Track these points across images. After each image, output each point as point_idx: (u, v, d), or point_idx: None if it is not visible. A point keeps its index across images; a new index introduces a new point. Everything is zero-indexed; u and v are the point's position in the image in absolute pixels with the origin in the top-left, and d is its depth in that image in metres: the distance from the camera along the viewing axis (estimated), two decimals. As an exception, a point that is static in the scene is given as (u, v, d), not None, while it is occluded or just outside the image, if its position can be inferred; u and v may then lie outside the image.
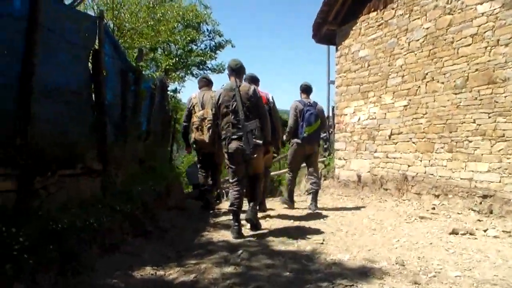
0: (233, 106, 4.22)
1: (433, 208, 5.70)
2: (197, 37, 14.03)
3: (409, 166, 6.76)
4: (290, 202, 6.17)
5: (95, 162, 3.60)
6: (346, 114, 8.49)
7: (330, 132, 10.19)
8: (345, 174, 8.49)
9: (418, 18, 6.71)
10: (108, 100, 4.21)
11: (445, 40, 6.18)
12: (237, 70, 4.46)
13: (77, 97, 3.56)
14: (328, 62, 10.18)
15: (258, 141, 4.16)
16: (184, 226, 4.58)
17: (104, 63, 4.04)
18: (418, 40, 6.67)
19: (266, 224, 4.83)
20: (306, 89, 6.12)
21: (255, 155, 4.19)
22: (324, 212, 5.73)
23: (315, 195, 6.00)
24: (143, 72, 5.51)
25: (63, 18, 3.37)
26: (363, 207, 6.20)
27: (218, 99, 4.35)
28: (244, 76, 4.76)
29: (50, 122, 3.17)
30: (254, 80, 5.17)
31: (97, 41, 3.93)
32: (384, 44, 7.44)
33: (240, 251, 3.47)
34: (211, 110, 4.68)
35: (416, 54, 6.71)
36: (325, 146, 10.88)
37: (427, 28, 6.51)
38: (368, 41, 7.89)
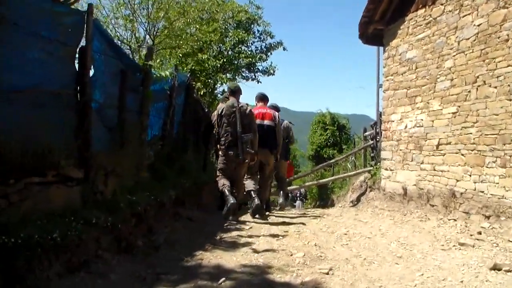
0: (233, 120, 5.49)
1: (480, 233, 4.79)
2: (247, 38, 13.76)
3: (457, 181, 5.84)
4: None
5: (75, 169, 3.33)
6: (393, 121, 7.72)
7: (377, 140, 9.38)
8: (390, 186, 7.68)
9: (469, 13, 5.77)
10: (98, 101, 3.96)
11: (498, 38, 5.22)
12: (235, 91, 5.80)
13: (54, 99, 3.31)
14: (378, 65, 9.35)
15: (250, 150, 5.50)
16: (181, 241, 4.20)
17: (94, 61, 3.78)
18: (469, 39, 5.73)
19: (278, 242, 4.33)
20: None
21: (246, 160, 5.58)
22: (352, 231, 5.08)
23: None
24: (154, 72, 5.26)
25: (36, 12, 3.12)
26: (400, 226, 5.44)
27: (221, 112, 5.58)
28: (257, 95, 6.65)
29: (16, 126, 2.92)
30: (264, 98, 6.62)
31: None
32: (433, 44, 6.58)
33: (222, 280, 3.01)
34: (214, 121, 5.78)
35: (466, 54, 5.78)
36: (372, 154, 10.06)
37: (479, 25, 5.57)
38: (416, 41, 7.06)
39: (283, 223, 5.70)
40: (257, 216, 5.99)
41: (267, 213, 6.55)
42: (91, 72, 3.81)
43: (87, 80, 3.65)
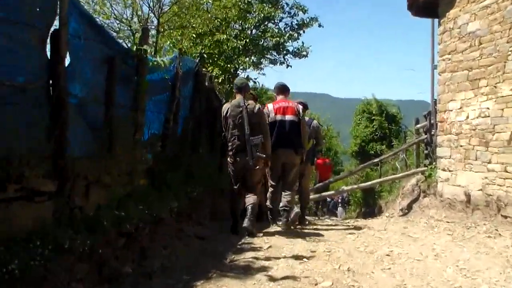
0: (239, 122, 5.55)
1: None
2: (274, 14, 13.38)
3: (538, 185, 5.41)
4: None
5: (45, 181, 3.15)
6: (451, 110, 7.45)
7: (432, 133, 8.95)
8: (449, 191, 7.34)
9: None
10: (78, 95, 3.77)
11: None
12: (242, 88, 5.82)
13: (18, 94, 3.12)
14: (432, 41, 8.84)
15: (260, 154, 5.52)
16: (182, 266, 3.97)
17: (71, 47, 3.58)
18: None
19: (301, 267, 4.05)
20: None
21: (257, 167, 5.59)
22: (397, 250, 4.72)
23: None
24: (151, 58, 5.07)
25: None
26: (460, 244, 5.04)
27: (226, 113, 5.72)
28: (277, 85, 6.69)
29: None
30: (285, 90, 6.63)
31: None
32: (502, 12, 6.22)
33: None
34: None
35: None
36: (426, 151, 9.62)
37: None
38: (479, 9, 6.68)
39: (312, 239, 5.45)
40: (280, 227, 6.12)
41: (298, 226, 6.60)
42: (68, 61, 3.60)
43: (62, 70, 3.43)
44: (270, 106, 6.36)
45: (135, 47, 4.77)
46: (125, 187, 4.38)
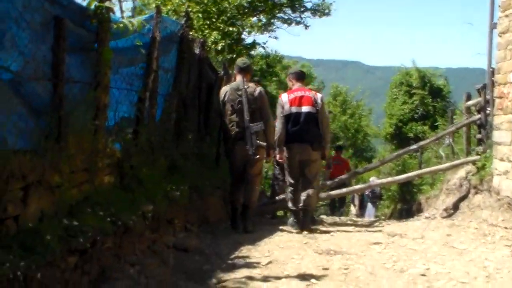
0: (238, 107, 6.18)
1: None
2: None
3: None
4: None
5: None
6: None
7: (487, 113, 8.69)
8: (509, 188, 7.14)
9: None
10: (12, 69, 3.52)
11: None
12: (244, 69, 6.45)
13: None
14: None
15: (261, 142, 6.16)
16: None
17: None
18: None
19: None
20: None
21: (257, 156, 6.17)
22: (435, 268, 4.57)
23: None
24: (116, 19, 4.84)
25: None
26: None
27: (224, 97, 6.37)
28: (293, 71, 7.44)
29: None
30: (302, 77, 7.31)
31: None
32: None
33: None
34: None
35: None
36: (479, 135, 9.38)
37: None
38: None
39: (325, 251, 5.31)
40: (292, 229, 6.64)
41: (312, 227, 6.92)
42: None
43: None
44: (284, 97, 6.84)
45: (94, 3, 4.47)
46: (81, 188, 4.19)
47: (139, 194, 4.89)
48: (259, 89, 6.42)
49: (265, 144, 6.26)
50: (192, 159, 6.77)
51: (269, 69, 21.48)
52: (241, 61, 6.67)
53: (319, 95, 6.95)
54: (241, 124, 6.13)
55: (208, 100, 8.00)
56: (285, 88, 9.97)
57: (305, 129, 6.61)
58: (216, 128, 7.63)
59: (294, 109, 6.62)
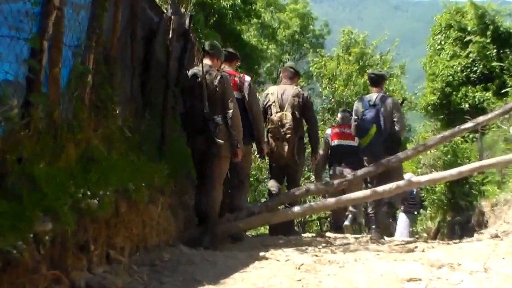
0: (198, 94, 7.45)
1: None
2: None
3: None
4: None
5: None
6: None
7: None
8: None
9: None
10: None
11: None
12: (211, 54, 7.99)
13: None
14: None
15: (219, 140, 7.30)
16: None
17: None
18: None
19: None
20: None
21: (222, 155, 7.49)
22: None
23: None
24: None
25: None
26: None
27: (185, 82, 7.88)
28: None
29: None
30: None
31: None
32: None
33: None
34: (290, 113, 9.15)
35: None
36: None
37: None
38: None
39: None
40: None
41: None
42: None
43: None
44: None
45: None
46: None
47: (30, 204, 4.75)
48: (220, 75, 7.73)
49: (222, 142, 7.42)
50: (120, 146, 6.50)
51: (246, 6, 21.34)
52: (210, 43, 8.38)
53: (247, 78, 8.67)
54: (200, 114, 7.43)
55: (147, 55, 8.03)
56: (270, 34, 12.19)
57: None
58: (159, 97, 8.25)
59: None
